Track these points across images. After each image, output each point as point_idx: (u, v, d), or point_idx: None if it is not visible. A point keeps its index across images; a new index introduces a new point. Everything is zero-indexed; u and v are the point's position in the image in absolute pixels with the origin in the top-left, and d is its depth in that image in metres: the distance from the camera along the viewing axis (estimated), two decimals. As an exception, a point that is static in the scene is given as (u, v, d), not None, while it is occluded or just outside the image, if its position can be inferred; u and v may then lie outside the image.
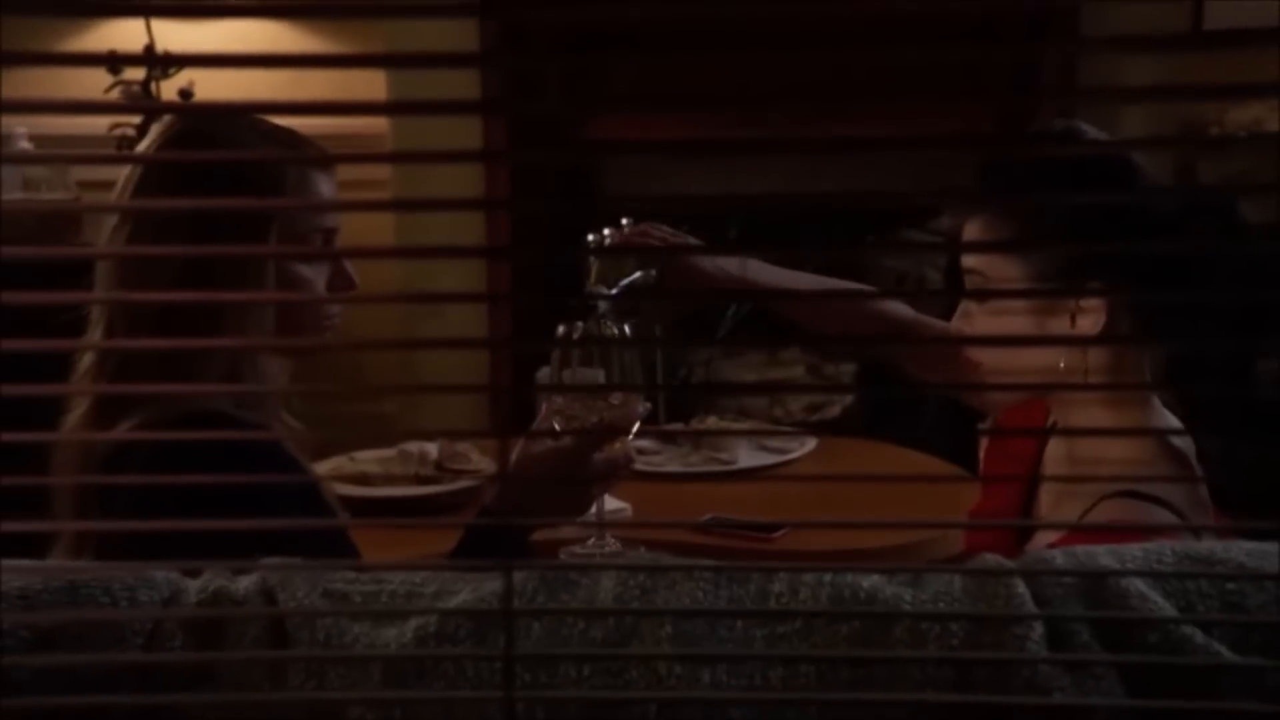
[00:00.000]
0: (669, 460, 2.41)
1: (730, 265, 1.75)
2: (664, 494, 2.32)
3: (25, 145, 3.34)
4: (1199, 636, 0.88)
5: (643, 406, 1.53)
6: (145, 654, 0.91)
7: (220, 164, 1.26)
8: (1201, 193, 1.48)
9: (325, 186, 1.48)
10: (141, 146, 1.48)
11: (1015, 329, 1.46)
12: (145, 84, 3.26)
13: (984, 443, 1.81)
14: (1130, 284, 1.38)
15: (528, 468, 1.48)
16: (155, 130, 1.42)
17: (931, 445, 2.50)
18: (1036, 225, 1.42)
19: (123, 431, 1.28)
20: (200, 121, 1.41)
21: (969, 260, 1.51)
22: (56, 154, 2.82)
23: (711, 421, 2.59)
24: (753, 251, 3.32)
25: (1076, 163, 1.34)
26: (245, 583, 0.97)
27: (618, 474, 1.50)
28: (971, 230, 1.50)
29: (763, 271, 1.77)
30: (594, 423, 1.48)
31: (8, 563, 0.96)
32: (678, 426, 2.59)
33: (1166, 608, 0.90)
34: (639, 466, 2.35)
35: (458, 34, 3.09)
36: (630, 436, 1.53)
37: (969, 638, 0.89)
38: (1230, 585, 0.92)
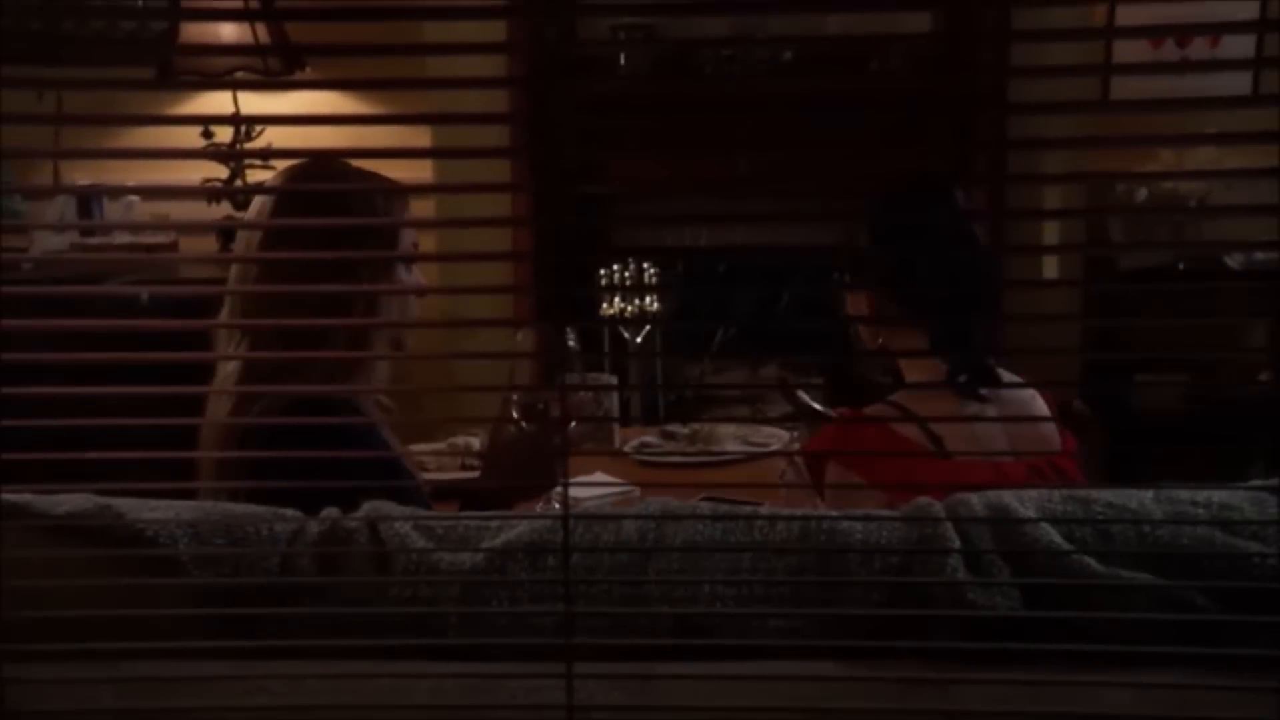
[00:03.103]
0: (671, 452, 2.54)
1: None
2: (666, 479, 2.44)
3: (132, 196, 3.48)
4: (1075, 553, 1.01)
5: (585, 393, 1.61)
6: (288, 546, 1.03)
7: (337, 195, 1.44)
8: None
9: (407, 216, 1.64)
10: (272, 181, 1.63)
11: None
12: (232, 145, 3.39)
13: None
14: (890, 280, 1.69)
15: (505, 450, 1.58)
16: (287, 168, 1.57)
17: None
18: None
19: (258, 404, 1.42)
20: (322, 162, 1.55)
21: None
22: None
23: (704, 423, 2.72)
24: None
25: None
26: (354, 518, 1.10)
27: (575, 447, 1.60)
28: None
29: None
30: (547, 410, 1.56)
31: (180, 503, 1.10)
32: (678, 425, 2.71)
33: (1054, 534, 1.03)
34: (646, 457, 2.50)
35: (489, 94, 3.20)
36: (574, 423, 1.62)
37: (905, 553, 1.02)
38: (1099, 517, 1.06)
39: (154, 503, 1.08)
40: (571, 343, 1.65)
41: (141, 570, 1.02)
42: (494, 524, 1.08)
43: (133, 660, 0.95)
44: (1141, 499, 1.07)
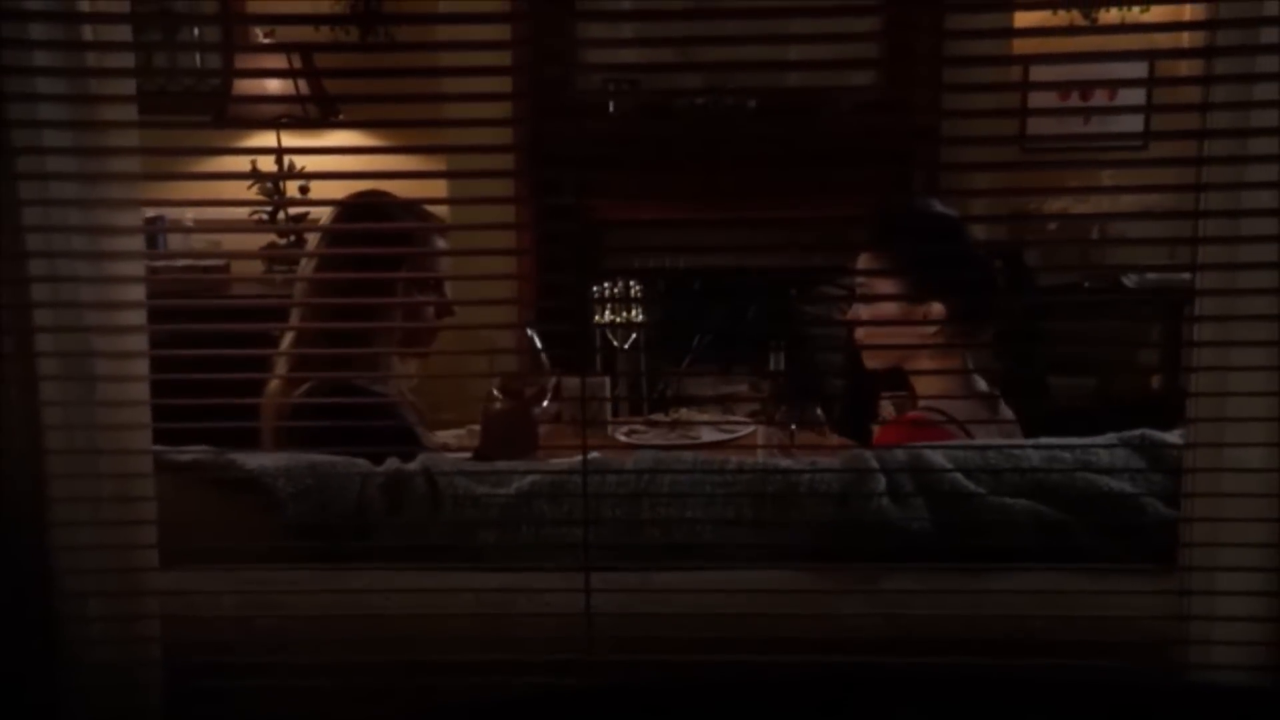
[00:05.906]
0: (653, 438, 2.69)
1: None
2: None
3: (190, 226, 3.62)
4: (971, 484, 1.19)
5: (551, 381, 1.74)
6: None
7: (385, 217, 1.63)
8: (1000, 247, 1.82)
9: (439, 242, 1.80)
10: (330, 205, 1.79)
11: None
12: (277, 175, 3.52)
13: None
14: (957, 300, 1.70)
15: (496, 421, 1.68)
16: (348, 195, 1.73)
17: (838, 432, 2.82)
18: (906, 259, 1.74)
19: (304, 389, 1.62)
20: (370, 194, 1.71)
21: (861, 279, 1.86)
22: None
23: (683, 412, 2.86)
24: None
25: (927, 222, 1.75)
26: (412, 465, 1.26)
27: (548, 421, 1.74)
28: (864, 258, 1.83)
29: None
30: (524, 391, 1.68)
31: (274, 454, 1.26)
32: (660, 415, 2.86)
33: (955, 470, 1.20)
34: (631, 440, 2.64)
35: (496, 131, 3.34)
36: (546, 401, 1.70)
37: (842, 486, 1.19)
38: (992, 460, 1.23)
39: (254, 453, 1.25)
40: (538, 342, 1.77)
41: (251, 501, 1.18)
42: (521, 468, 1.25)
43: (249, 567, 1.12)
44: (1025, 447, 1.25)
